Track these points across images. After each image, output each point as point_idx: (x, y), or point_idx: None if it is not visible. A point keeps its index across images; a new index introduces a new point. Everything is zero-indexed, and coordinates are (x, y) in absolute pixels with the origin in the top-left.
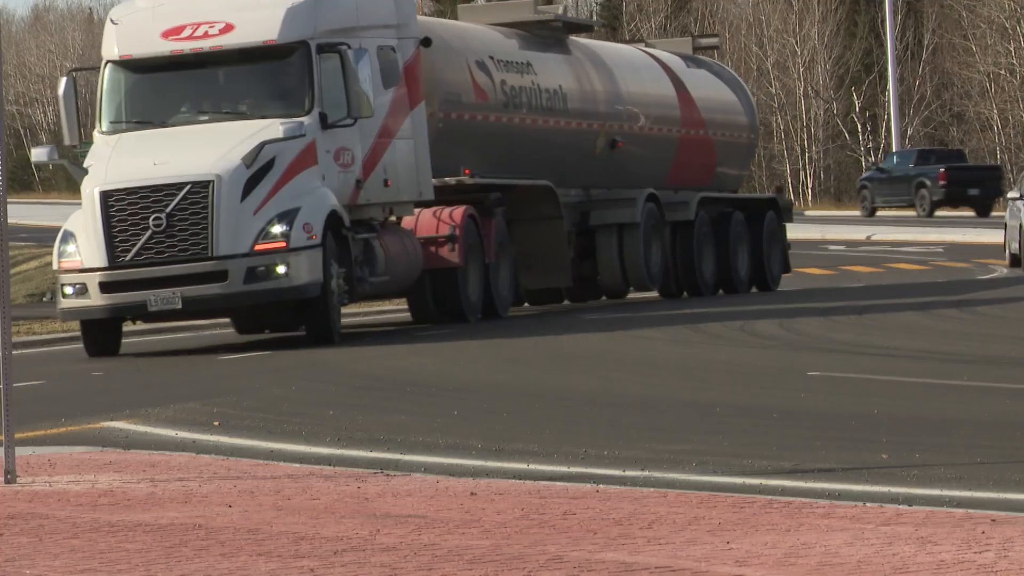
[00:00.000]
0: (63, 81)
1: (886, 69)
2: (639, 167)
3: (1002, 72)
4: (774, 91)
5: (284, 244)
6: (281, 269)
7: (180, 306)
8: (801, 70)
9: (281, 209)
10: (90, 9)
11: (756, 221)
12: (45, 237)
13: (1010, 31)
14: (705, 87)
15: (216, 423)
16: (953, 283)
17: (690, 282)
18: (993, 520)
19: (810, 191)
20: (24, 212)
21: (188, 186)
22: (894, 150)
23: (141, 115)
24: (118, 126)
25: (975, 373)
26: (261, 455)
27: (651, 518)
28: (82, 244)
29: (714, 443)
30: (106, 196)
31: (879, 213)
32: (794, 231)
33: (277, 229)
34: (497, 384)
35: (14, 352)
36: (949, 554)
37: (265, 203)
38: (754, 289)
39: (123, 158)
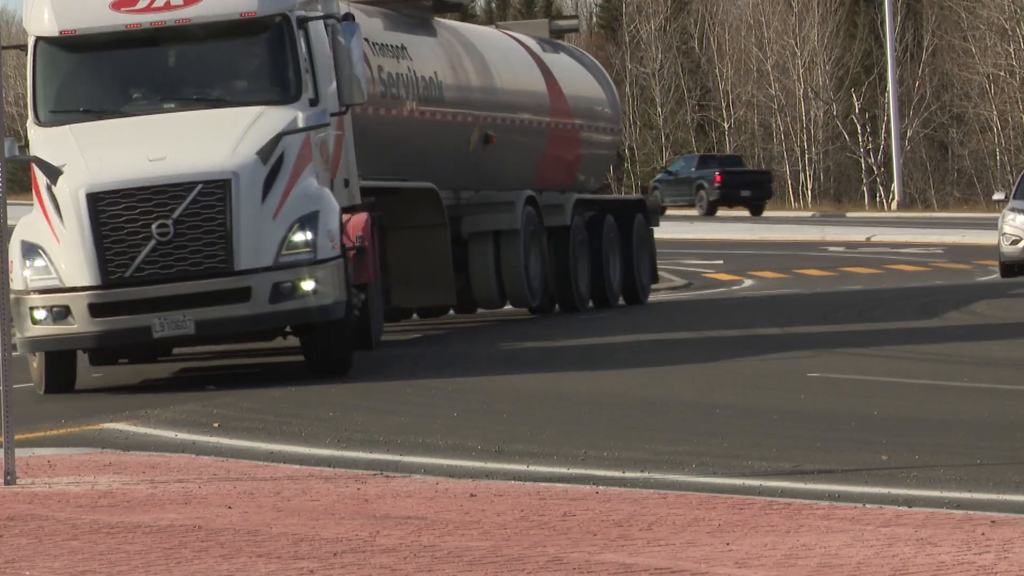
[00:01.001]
0: None
1: (886, 70)
2: (510, 166)
3: (1002, 73)
4: (774, 92)
5: (311, 255)
6: (307, 285)
7: (193, 331)
8: (801, 71)
9: (301, 213)
10: None
11: (625, 225)
12: None
13: (1010, 32)
14: (570, 75)
15: (216, 424)
16: (952, 285)
17: (565, 295)
18: (993, 521)
19: (810, 192)
20: (24, 213)
21: (199, 186)
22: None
23: (90, 103)
24: (60, 116)
25: (975, 374)
26: (261, 456)
27: (651, 519)
28: (59, 258)
29: (714, 444)
30: (95, 199)
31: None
32: (794, 232)
33: (300, 237)
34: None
35: (13, 353)
36: (949, 555)
37: (282, 206)
38: (622, 301)
39: (105, 152)
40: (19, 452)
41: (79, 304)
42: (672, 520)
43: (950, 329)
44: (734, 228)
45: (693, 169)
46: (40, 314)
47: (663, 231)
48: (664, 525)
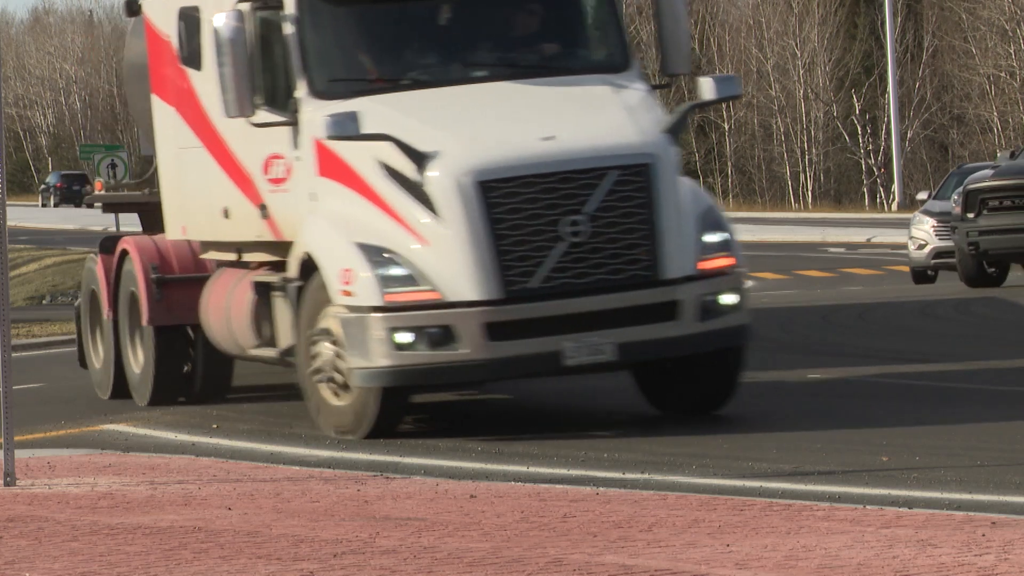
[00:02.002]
0: (226, 18)
1: (886, 71)
2: None
3: (1002, 74)
4: (774, 93)
5: (732, 261)
6: (730, 299)
7: (612, 356)
8: (801, 72)
9: (698, 207)
10: (90, 12)
11: None
12: (45, 239)
13: (1010, 33)
14: None
15: (215, 426)
16: (951, 286)
17: None
18: (993, 523)
19: (810, 193)
20: (24, 214)
21: (615, 173)
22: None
23: (388, 69)
24: (346, 87)
25: (974, 376)
26: (261, 458)
27: (651, 521)
28: (429, 264)
29: (714, 446)
30: (487, 189)
31: None
32: (794, 234)
33: (714, 237)
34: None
35: (13, 355)
36: (949, 556)
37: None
38: None
39: (478, 130)
40: (19, 453)
41: (469, 324)
42: (672, 521)
43: (949, 330)
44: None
45: None
46: (405, 337)
47: None
48: (664, 526)
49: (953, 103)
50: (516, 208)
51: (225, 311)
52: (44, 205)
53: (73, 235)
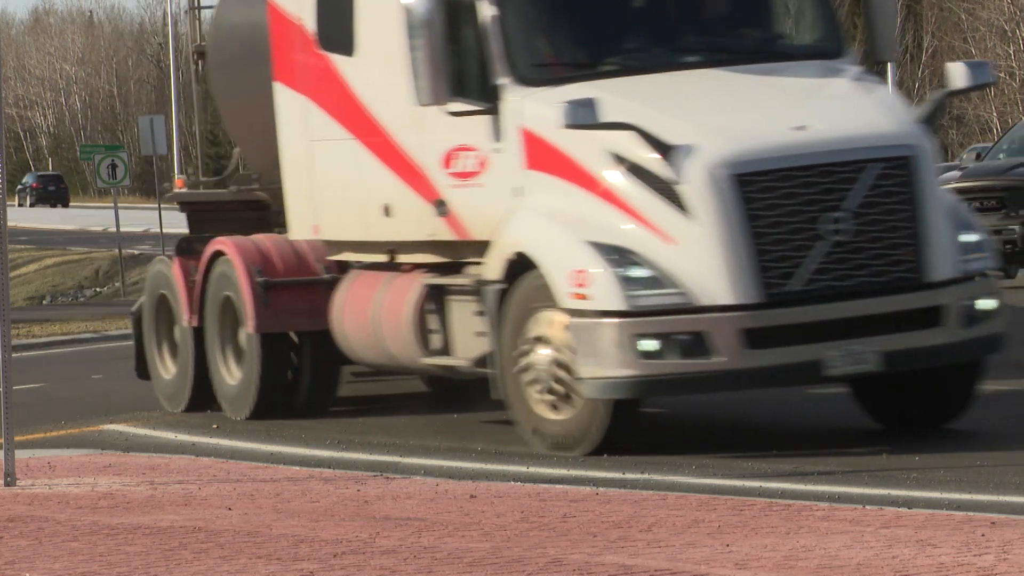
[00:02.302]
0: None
1: (885, 71)
2: None
3: (1002, 75)
4: None
5: (984, 262)
6: (989, 304)
7: (876, 366)
8: None
9: (952, 206)
10: (90, 12)
11: None
12: (44, 240)
13: (1010, 34)
14: None
15: (215, 426)
16: None
17: None
18: (992, 523)
19: None
20: (24, 215)
21: (877, 166)
22: None
23: (602, 53)
24: (557, 72)
25: None
26: (261, 458)
27: (651, 521)
28: (678, 265)
29: (713, 446)
30: (743, 183)
31: None
32: None
33: (972, 237)
34: None
35: (13, 355)
36: (949, 556)
37: None
38: None
39: (725, 116)
40: (19, 453)
41: (724, 330)
42: (672, 521)
43: None
44: None
45: None
46: (650, 345)
47: None
48: (664, 526)
49: (952, 103)
50: (774, 204)
51: (372, 318)
52: (20, 205)
53: (73, 235)
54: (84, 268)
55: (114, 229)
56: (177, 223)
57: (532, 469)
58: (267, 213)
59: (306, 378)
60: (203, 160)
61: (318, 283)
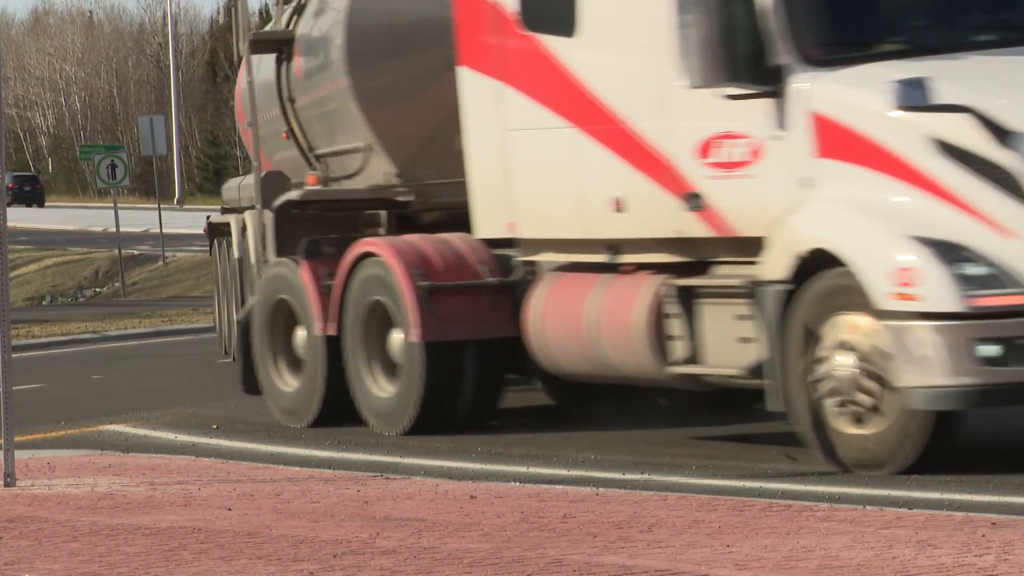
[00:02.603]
0: None
1: None
2: None
3: None
4: None
5: None
6: None
7: None
8: None
9: None
10: (90, 12)
11: None
12: (44, 240)
13: None
14: None
15: (215, 426)
16: None
17: None
18: (993, 523)
19: None
20: (24, 215)
21: None
22: None
23: (892, 32)
24: (848, 52)
25: None
26: (261, 458)
27: (651, 521)
28: (1018, 262)
29: (714, 446)
30: None
31: None
32: None
33: None
34: None
35: (13, 355)
36: (949, 557)
37: None
38: None
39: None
40: (19, 454)
41: None
42: (672, 522)
43: None
44: None
45: None
46: (992, 350)
47: None
48: (664, 527)
49: None
50: None
51: (586, 325)
52: None
53: (73, 236)
54: (84, 268)
55: (114, 229)
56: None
57: (532, 469)
58: (361, 215)
59: (468, 390)
60: (203, 160)
61: (483, 287)
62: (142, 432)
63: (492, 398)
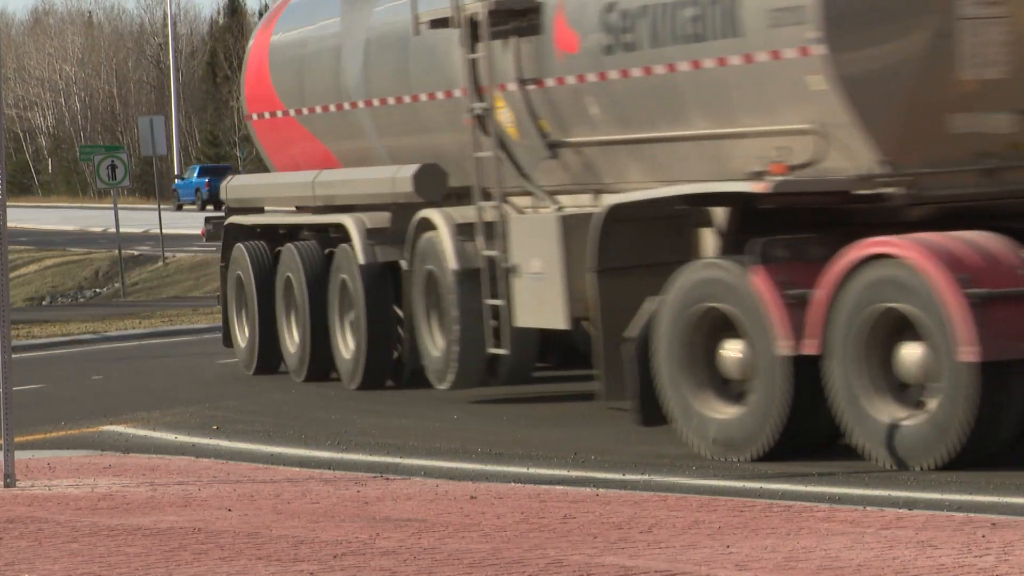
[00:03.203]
0: None
1: None
2: None
3: None
4: None
5: None
6: None
7: None
8: None
9: None
10: (89, 13)
11: None
12: (44, 241)
13: None
14: None
15: (215, 427)
16: None
17: None
18: (993, 524)
19: None
20: (24, 216)
21: None
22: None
23: None
24: None
25: None
26: (261, 459)
27: (651, 522)
28: None
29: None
30: None
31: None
32: None
33: None
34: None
35: (13, 355)
36: (949, 558)
37: None
38: None
39: None
40: (19, 454)
41: None
42: (672, 522)
43: None
44: None
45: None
46: None
47: None
48: (664, 527)
49: None
50: None
51: None
52: None
53: (73, 236)
54: (84, 269)
55: (114, 230)
56: (177, 224)
57: (532, 470)
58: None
59: (1014, 417)
60: (203, 160)
61: None
62: (142, 432)
63: None
